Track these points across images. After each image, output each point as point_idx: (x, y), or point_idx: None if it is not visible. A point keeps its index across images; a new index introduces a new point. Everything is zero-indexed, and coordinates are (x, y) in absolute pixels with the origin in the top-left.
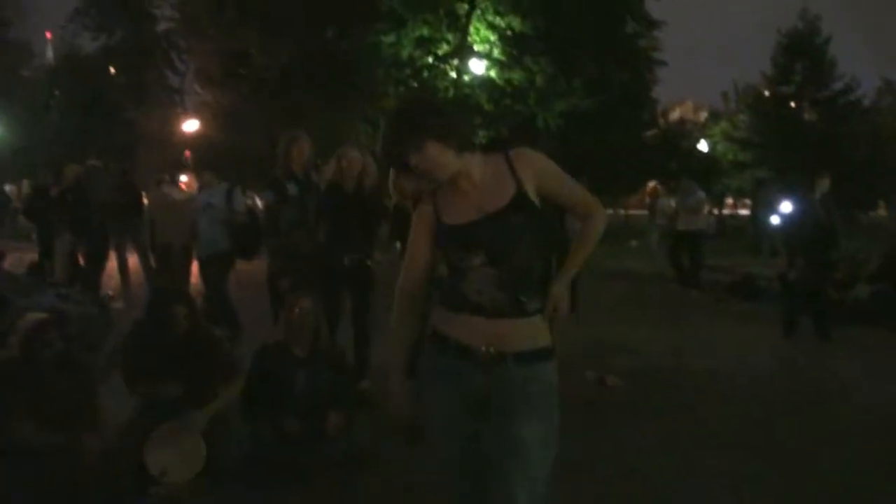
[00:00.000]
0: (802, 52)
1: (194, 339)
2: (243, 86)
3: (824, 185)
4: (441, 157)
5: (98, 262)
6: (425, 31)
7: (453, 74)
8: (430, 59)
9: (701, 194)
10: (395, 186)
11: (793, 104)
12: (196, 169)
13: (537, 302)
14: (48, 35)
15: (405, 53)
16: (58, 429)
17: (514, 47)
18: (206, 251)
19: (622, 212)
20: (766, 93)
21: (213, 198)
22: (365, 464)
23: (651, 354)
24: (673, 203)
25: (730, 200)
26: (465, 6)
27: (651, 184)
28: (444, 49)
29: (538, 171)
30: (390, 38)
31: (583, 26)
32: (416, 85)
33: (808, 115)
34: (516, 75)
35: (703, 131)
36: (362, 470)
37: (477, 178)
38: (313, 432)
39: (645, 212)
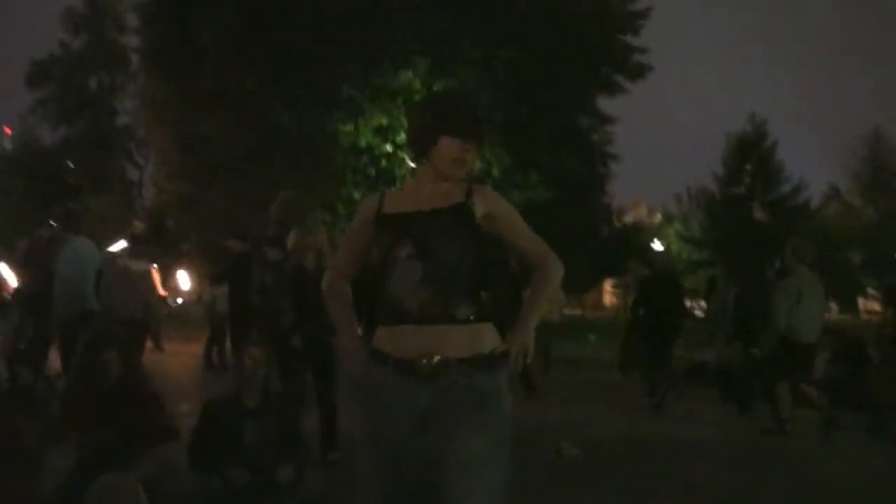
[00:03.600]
0: (751, 155)
1: (127, 386)
2: (201, 169)
3: (776, 265)
4: (474, 160)
5: (44, 337)
6: (384, 120)
7: (411, 164)
8: (388, 148)
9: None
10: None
11: (744, 208)
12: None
13: (467, 310)
14: (8, 131)
15: (364, 142)
16: None
17: None
18: None
19: (579, 312)
20: (717, 194)
21: None
22: None
23: (606, 429)
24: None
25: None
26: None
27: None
28: (402, 137)
29: (493, 206)
30: (349, 128)
31: (538, 120)
32: (373, 173)
33: (759, 216)
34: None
35: (657, 232)
36: None
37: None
38: (263, 484)
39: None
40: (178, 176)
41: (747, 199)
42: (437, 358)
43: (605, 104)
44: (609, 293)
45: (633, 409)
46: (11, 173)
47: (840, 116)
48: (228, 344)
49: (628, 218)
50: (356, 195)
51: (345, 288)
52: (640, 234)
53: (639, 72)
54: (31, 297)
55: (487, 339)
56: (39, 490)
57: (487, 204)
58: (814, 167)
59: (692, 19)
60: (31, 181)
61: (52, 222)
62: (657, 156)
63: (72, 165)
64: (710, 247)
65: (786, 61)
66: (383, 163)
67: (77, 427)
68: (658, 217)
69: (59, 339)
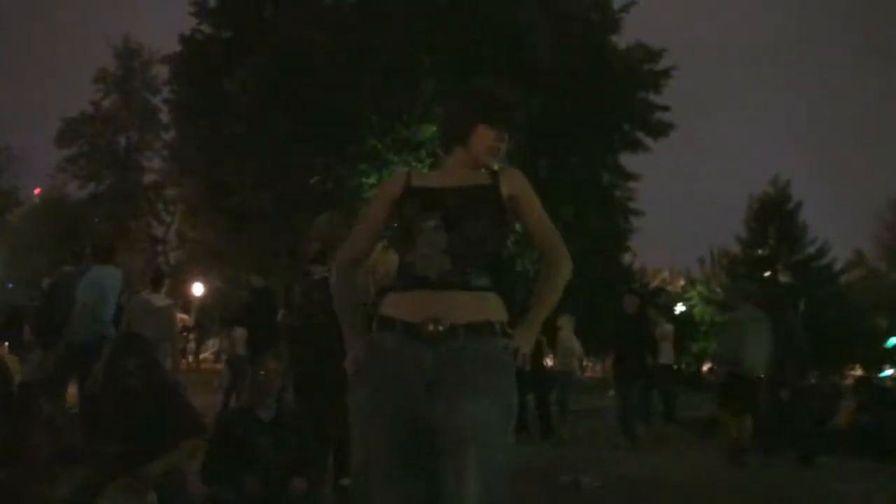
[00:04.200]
0: (774, 217)
1: (153, 392)
2: (226, 219)
3: (802, 305)
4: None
5: (65, 372)
6: None
7: None
8: None
9: (668, 327)
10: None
11: (768, 273)
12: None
13: (484, 280)
14: (36, 191)
15: None
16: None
17: None
18: None
19: (601, 375)
20: (741, 256)
21: None
22: None
23: (627, 467)
24: None
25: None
26: None
27: None
28: None
29: (516, 187)
30: (373, 179)
31: (559, 174)
32: (395, 224)
33: (783, 277)
34: None
35: (681, 296)
36: None
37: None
38: (275, 496)
39: None
40: (203, 226)
41: (771, 261)
42: (445, 324)
43: (627, 161)
44: None
45: (654, 451)
46: (38, 228)
47: (865, 181)
48: None
49: (652, 284)
50: (380, 246)
51: (354, 280)
52: (661, 296)
53: (661, 130)
54: (52, 329)
55: (496, 308)
56: (55, 498)
57: (512, 185)
58: (838, 231)
59: (714, 80)
60: (58, 236)
61: (86, 250)
62: (679, 217)
63: (97, 220)
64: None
65: (810, 124)
66: None
67: (96, 433)
68: (681, 282)
69: (72, 362)
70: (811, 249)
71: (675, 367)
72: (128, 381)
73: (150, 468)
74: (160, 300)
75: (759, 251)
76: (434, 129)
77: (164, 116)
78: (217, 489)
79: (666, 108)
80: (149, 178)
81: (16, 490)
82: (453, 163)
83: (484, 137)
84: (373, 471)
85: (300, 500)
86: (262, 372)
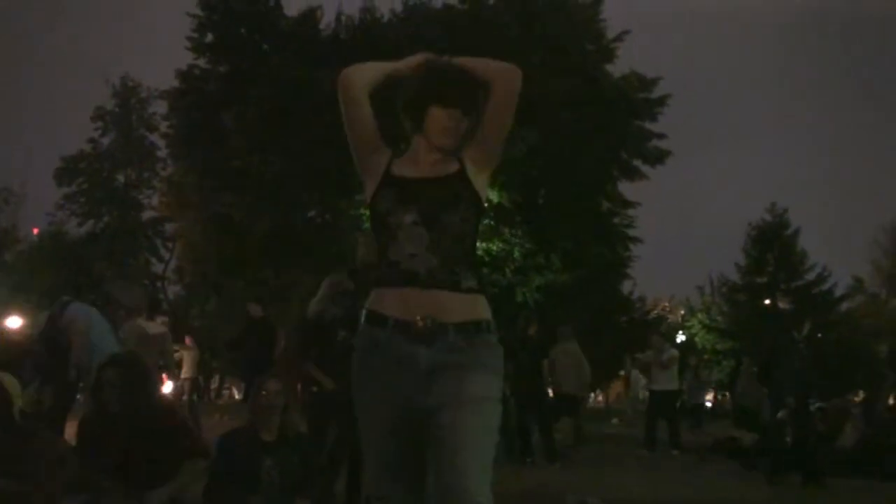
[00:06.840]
0: (773, 244)
1: (143, 412)
2: (225, 253)
3: (807, 327)
4: (462, 127)
5: (64, 408)
6: None
7: None
8: None
9: (673, 351)
10: None
11: (767, 301)
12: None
13: (472, 281)
14: (35, 231)
15: None
16: None
17: (493, 218)
18: None
19: (602, 403)
20: (740, 283)
21: None
22: None
23: (632, 490)
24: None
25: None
26: None
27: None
28: None
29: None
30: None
31: (558, 202)
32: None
33: (783, 304)
34: (494, 246)
35: (681, 325)
36: None
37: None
38: None
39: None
40: (202, 260)
41: (770, 287)
42: (437, 321)
43: (625, 189)
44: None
45: (659, 475)
46: (37, 266)
47: (863, 207)
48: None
49: (653, 314)
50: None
51: None
52: (659, 323)
53: (658, 157)
54: (49, 364)
55: (484, 308)
56: None
57: (472, 159)
58: (836, 257)
59: (710, 108)
60: (57, 274)
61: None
62: (678, 246)
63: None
64: (735, 336)
65: (806, 150)
66: None
67: (92, 460)
68: (681, 312)
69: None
70: (811, 276)
71: (681, 392)
72: (107, 398)
73: (151, 497)
74: (154, 327)
75: (759, 278)
76: None
77: (162, 152)
78: None
79: (662, 136)
80: (147, 214)
81: None
82: (419, 149)
83: (436, 119)
84: (374, 463)
85: None
86: (264, 392)
